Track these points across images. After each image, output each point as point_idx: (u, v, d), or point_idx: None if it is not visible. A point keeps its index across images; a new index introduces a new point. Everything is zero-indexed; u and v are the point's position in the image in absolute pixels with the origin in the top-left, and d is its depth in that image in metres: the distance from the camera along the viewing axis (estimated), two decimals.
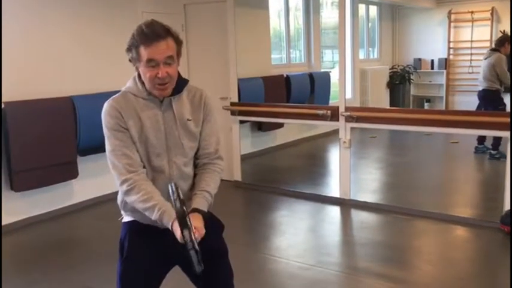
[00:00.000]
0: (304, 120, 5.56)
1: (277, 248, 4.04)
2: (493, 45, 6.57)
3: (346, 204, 4.93)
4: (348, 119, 4.82)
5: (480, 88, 6.39)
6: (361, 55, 9.80)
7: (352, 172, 5.06)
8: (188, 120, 1.87)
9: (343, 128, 4.88)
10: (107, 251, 3.98)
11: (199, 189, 1.87)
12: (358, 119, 4.80)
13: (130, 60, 1.82)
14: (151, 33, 1.72)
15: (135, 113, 1.81)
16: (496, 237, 4.01)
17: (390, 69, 10.32)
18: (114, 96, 1.87)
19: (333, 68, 8.89)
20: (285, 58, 8.00)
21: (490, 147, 6.39)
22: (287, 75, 7.25)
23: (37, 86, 4.59)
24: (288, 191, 5.37)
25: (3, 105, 4.24)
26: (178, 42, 1.79)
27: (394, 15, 10.57)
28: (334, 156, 6.14)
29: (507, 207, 4.08)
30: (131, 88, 1.87)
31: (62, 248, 4.14)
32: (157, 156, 1.83)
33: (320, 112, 5.00)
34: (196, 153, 1.95)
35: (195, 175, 1.95)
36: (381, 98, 9.80)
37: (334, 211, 4.93)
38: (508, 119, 4.01)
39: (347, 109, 4.84)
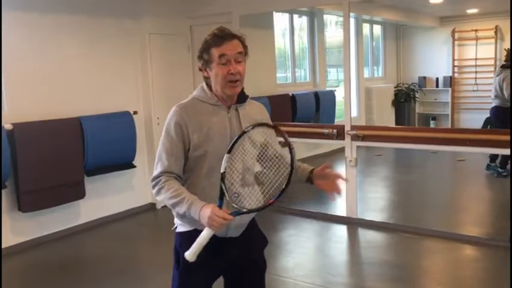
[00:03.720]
0: (310, 139, 5.56)
1: (284, 268, 4.02)
2: (503, 62, 6.50)
3: (353, 223, 4.90)
4: (354, 137, 4.82)
5: (492, 105, 6.37)
6: (366, 73, 9.85)
7: (358, 191, 5.05)
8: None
9: (349, 146, 4.88)
10: (114, 271, 3.97)
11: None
12: (363, 138, 4.81)
13: (200, 69, 1.95)
14: (223, 34, 1.88)
15: (202, 119, 1.90)
16: (505, 256, 3.96)
17: (395, 87, 10.35)
18: (182, 102, 1.97)
19: (338, 86, 8.94)
20: (290, 77, 8.06)
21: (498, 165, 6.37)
22: (292, 94, 7.29)
23: (45, 107, 4.64)
24: (294, 209, 5.35)
25: (12, 127, 4.29)
26: (245, 46, 1.94)
27: (398, 34, 10.65)
28: None
29: None
30: (199, 95, 1.97)
31: (69, 268, 4.13)
32: (221, 160, 1.88)
33: (326, 131, 5.01)
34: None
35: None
36: (386, 116, 9.81)
37: (341, 230, 4.91)
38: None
39: (353, 128, 4.85)
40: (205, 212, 1.76)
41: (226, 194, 1.82)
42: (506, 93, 6.05)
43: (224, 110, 1.94)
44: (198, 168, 1.91)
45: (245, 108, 2.00)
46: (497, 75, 6.26)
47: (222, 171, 1.83)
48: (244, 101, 2.00)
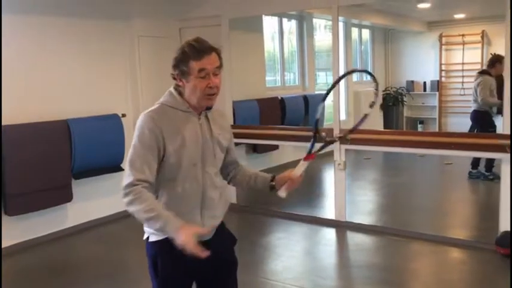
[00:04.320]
0: (299, 142, 5.57)
1: (273, 271, 4.01)
2: (485, 67, 6.64)
3: (341, 226, 4.92)
4: (343, 141, 4.84)
5: (472, 109, 6.50)
6: (355, 77, 9.90)
7: (347, 194, 5.06)
8: (218, 134, 2.03)
9: (338, 150, 4.90)
10: (102, 275, 3.94)
11: (256, 171, 2.23)
12: (352, 141, 4.82)
13: (174, 78, 1.93)
14: (202, 47, 1.88)
15: (174, 125, 1.91)
16: (491, 258, 4.01)
17: (383, 91, 10.41)
18: (152, 108, 1.95)
19: None
20: (279, 80, 8.07)
21: (484, 168, 6.43)
22: (282, 98, 7.31)
23: (32, 109, 4.60)
24: (283, 213, 5.35)
25: None
26: (220, 57, 1.94)
27: (387, 38, 10.73)
28: (329, 178, 6.15)
29: (502, 228, 4.09)
30: (168, 101, 1.96)
31: (57, 272, 4.09)
32: (193, 166, 1.93)
33: None
34: (227, 166, 2.17)
35: (229, 179, 2.22)
36: (374, 120, 9.86)
37: (330, 233, 4.92)
38: (501, 141, 4.05)
39: (341, 131, 4.87)
40: (182, 234, 1.74)
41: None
42: (479, 99, 6.19)
43: (195, 117, 1.96)
44: (173, 175, 1.91)
45: (213, 114, 2.03)
46: (475, 80, 6.40)
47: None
48: (210, 108, 2.02)
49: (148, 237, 2.00)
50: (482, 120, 6.26)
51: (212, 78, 1.88)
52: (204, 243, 1.95)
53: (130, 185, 1.82)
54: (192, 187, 1.94)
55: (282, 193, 2.08)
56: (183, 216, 1.89)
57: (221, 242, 2.08)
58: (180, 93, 1.95)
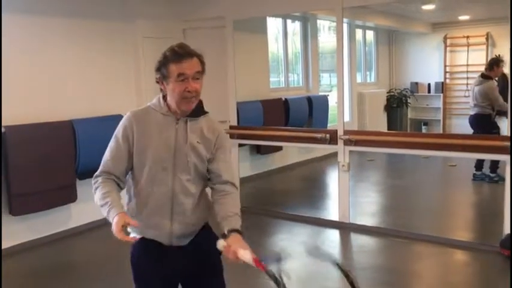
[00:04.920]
0: (303, 144, 5.58)
1: (276, 273, 4.00)
2: (484, 71, 6.56)
3: (345, 228, 4.91)
4: (347, 142, 4.84)
5: (472, 113, 6.43)
6: (359, 79, 9.88)
7: (350, 195, 5.06)
8: (198, 142, 1.99)
9: (342, 151, 4.90)
10: (104, 275, 3.94)
11: (229, 212, 1.99)
12: (356, 143, 4.82)
13: (157, 82, 1.99)
14: (183, 51, 1.91)
15: (149, 127, 1.96)
16: (495, 261, 4.00)
17: (387, 92, 10.40)
18: (137, 108, 2.05)
19: (330, 91, 8.95)
20: (283, 82, 8.07)
21: (488, 170, 6.41)
22: (285, 99, 7.30)
23: (37, 109, 4.61)
24: (287, 214, 5.35)
25: (3, 129, 4.26)
26: (203, 63, 1.96)
27: (391, 39, 10.71)
28: (333, 180, 6.15)
29: (507, 230, 4.08)
30: (154, 104, 2.03)
31: (60, 272, 4.10)
32: (163, 170, 1.95)
33: (319, 135, 5.03)
34: (211, 180, 2.07)
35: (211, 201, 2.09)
36: (378, 121, 9.85)
37: (334, 235, 4.91)
38: (505, 143, 4.04)
39: (345, 132, 4.87)
40: (114, 222, 1.84)
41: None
42: (497, 104, 6.03)
43: (173, 121, 1.98)
44: (141, 174, 1.97)
45: (197, 122, 2.01)
46: (477, 85, 6.31)
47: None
48: (197, 116, 2.01)
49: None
50: (485, 123, 6.21)
51: (191, 83, 1.90)
52: (179, 250, 2.01)
53: (96, 175, 2.01)
54: (161, 190, 1.96)
55: (220, 245, 1.89)
56: (153, 218, 1.96)
57: (201, 249, 2.06)
58: (165, 97, 2.00)
